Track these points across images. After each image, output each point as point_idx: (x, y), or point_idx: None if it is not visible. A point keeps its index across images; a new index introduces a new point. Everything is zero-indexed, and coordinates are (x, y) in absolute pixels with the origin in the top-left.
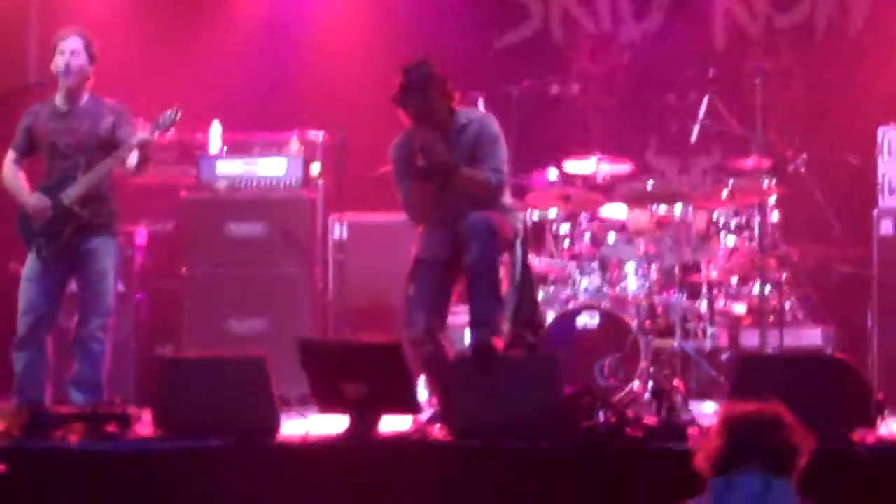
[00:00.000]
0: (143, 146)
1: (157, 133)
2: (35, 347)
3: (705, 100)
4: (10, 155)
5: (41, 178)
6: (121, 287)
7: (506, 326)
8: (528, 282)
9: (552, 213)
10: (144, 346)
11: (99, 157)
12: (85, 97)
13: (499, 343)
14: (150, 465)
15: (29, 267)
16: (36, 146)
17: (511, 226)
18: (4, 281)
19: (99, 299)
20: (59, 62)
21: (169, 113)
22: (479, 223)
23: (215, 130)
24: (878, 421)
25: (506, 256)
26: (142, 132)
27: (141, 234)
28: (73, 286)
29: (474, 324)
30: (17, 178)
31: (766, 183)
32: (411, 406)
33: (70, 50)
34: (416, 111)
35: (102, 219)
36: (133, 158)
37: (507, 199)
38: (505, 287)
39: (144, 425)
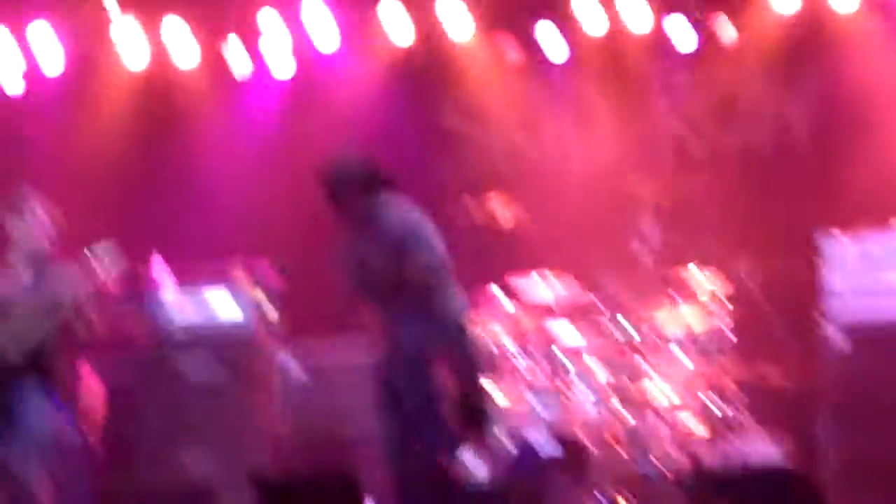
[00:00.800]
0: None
1: (96, 265)
2: None
3: (649, 214)
4: None
5: None
6: (68, 425)
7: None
8: (470, 370)
9: (501, 335)
10: (96, 483)
11: (46, 323)
12: (39, 257)
13: (454, 471)
14: None
15: None
16: None
17: (444, 331)
18: None
19: (33, 432)
20: (14, 223)
21: (100, 246)
22: (408, 356)
23: (159, 267)
24: None
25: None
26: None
27: (89, 372)
28: None
29: (425, 455)
30: None
31: (714, 297)
32: None
33: (26, 209)
34: (337, 211)
35: (41, 366)
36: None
37: (445, 298)
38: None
39: None
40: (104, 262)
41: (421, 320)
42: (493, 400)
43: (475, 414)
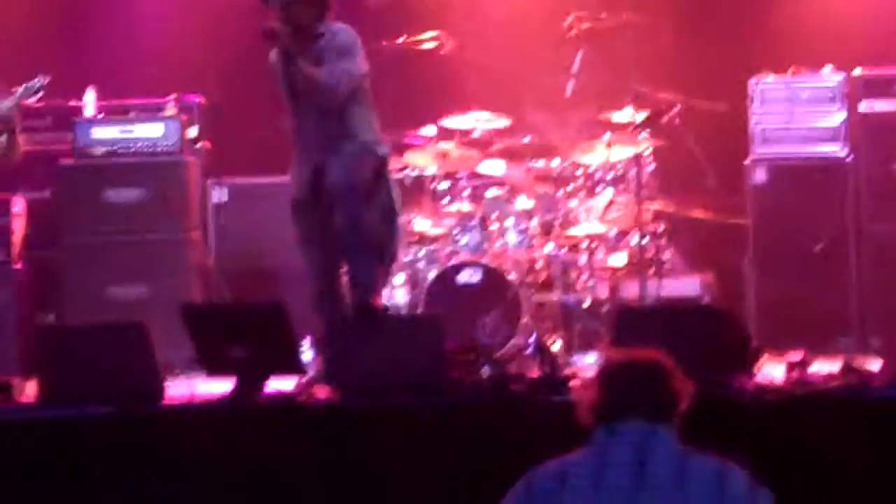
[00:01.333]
0: (6, 119)
1: (18, 101)
2: None
3: (579, 53)
4: None
5: None
6: None
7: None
8: (381, 204)
9: (430, 170)
10: (26, 315)
11: None
12: None
13: (378, 301)
14: (32, 433)
15: None
16: None
17: (370, 163)
18: None
19: None
20: None
21: (35, 80)
22: (340, 183)
23: (90, 96)
24: (755, 367)
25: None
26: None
27: (18, 203)
28: None
29: (353, 284)
30: None
31: (641, 135)
32: (295, 367)
33: None
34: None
35: None
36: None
37: (369, 131)
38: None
39: (27, 395)
40: (31, 92)
41: (344, 152)
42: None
43: (387, 249)
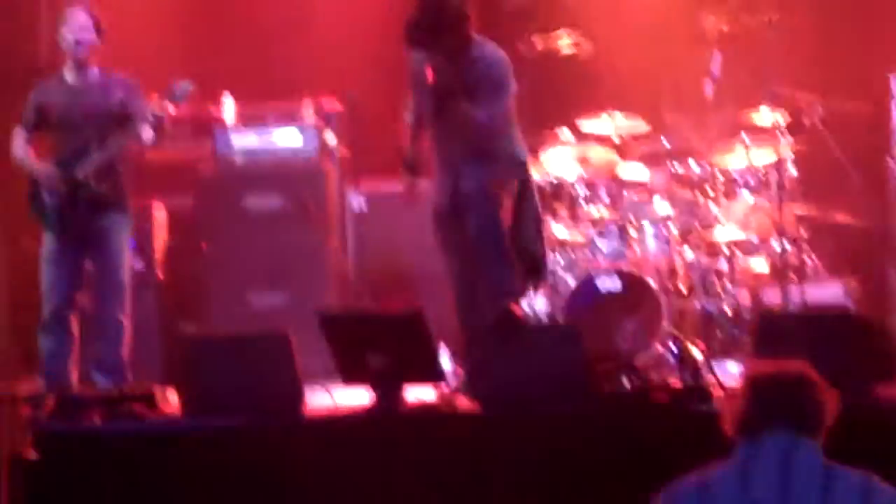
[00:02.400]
0: (158, 120)
1: (170, 106)
2: (60, 330)
3: (717, 55)
4: (20, 132)
5: (49, 154)
6: (138, 264)
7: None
8: (531, 216)
9: (569, 175)
10: (167, 324)
11: (110, 131)
12: (94, 71)
13: (518, 311)
14: (175, 444)
15: (47, 248)
16: (45, 122)
17: (512, 173)
18: (17, 257)
19: (114, 278)
20: (67, 37)
21: (182, 84)
22: (474, 192)
23: (228, 103)
24: None
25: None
26: (155, 105)
27: (159, 211)
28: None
29: (490, 294)
30: (28, 155)
31: (782, 138)
32: (435, 375)
33: (78, 25)
34: (425, 43)
35: (115, 195)
36: (147, 132)
37: (511, 141)
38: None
39: (169, 405)
40: (180, 96)
41: (484, 161)
42: (546, 245)
43: (532, 256)
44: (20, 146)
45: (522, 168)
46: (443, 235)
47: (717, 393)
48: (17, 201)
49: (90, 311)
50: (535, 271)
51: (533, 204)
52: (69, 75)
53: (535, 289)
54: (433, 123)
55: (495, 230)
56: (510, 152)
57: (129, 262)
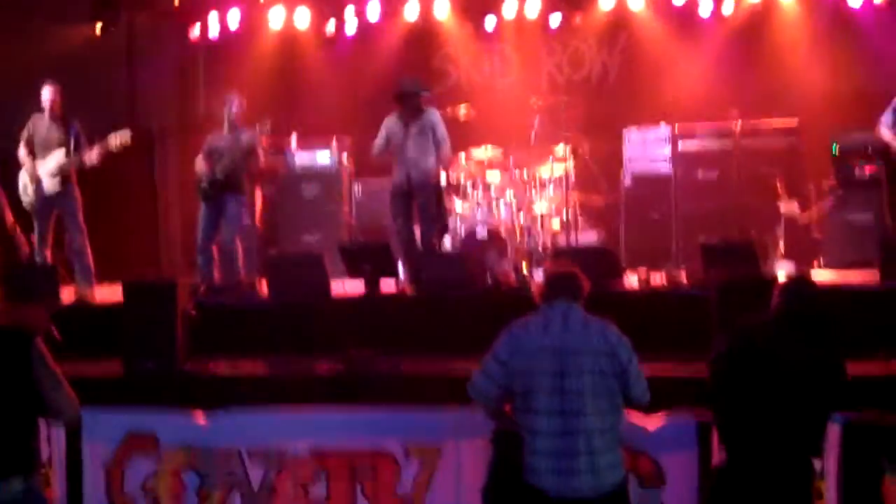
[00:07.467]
0: (255, 145)
1: (261, 136)
2: (206, 251)
3: (537, 117)
4: (200, 159)
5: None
6: (247, 220)
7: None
8: (441, 199)
9: (463, 176)
10: (261, 248)
11: (239, 155)
12: (237, 125)
13: (436, 244)
14: (265, 311)
15: (202, 210)
16: (213, 152)
17: (437, 172)
18: (187, 215)
19: (234, 224)
20: (227, 110)
21: (265, 122)
22: (420, 182)
23: (293, 136)
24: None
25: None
26: (252, 136)
27: (258, 193)
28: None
29: (425, 238)
30: (202, 167)
31: (568, 160)
32: (395, 275)
33: (233, 103)
34: (407, 107)
35: (237, 185)
36: (261, 156)
37: (432, 155)
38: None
39: (263, 290)
40: (266, 131)
41: (425, 165)
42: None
43: (443, 220)
44: (199, 163)
45: (437, 170)
46: (395, 206)
47: (533, 285)
48: (190, 187)
49: (221, 244)
50: (445, 227)
51: (440, 189)
52: (225, 127)
53: (443, 235)
54: (398, 144)
55: (430, 203)
56: (432, 160)
57: (243, 220)
